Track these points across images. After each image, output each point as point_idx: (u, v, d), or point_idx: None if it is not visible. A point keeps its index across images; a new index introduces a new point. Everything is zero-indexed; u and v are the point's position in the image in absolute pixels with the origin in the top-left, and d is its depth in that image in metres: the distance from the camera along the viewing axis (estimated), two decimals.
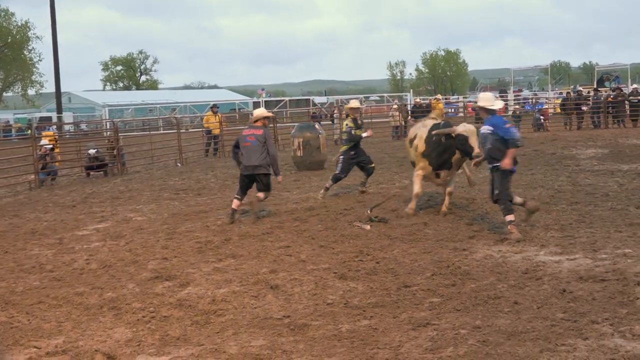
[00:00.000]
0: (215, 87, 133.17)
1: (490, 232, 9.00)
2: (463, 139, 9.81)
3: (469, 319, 5.70)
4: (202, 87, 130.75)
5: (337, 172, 12.90)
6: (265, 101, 61.57)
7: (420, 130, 10.80)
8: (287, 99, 69.06)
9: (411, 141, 10.97)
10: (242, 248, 8.83)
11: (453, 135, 9.94)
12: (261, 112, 11.74)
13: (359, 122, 13.33)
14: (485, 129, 8.94)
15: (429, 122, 10.82)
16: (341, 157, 12.96)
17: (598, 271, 6.89)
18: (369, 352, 5.12)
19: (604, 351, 4.87)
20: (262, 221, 10.61)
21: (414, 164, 11.00)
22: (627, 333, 5.20)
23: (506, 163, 8.56)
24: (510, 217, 8.66)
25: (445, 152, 10.22)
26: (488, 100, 9.15)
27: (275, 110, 42.20)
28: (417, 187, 10.61)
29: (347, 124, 12.85)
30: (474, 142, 9.71)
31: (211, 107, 27.40)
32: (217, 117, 25.92)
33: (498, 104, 9.19)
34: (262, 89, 76.07)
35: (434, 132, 10.26)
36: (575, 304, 5.94)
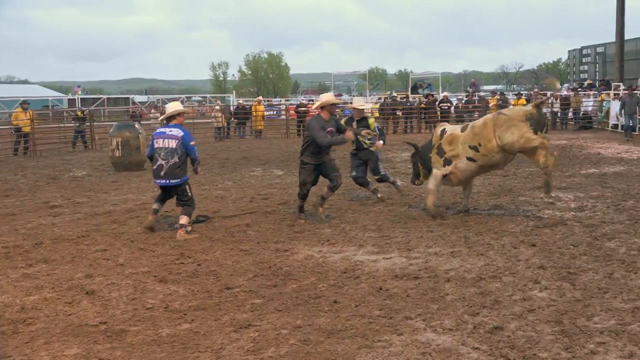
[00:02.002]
0: (26, 82, 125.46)
1: (311, 233, 9.16)
2: None
3: (290, 319, 5.76)
4: (10, 82, 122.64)
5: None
6: (81, 99, 58.98)
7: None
8: (105, 97, 66.57)
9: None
10: (55, 252, 8.36)
11: None
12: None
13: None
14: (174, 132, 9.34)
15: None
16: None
17: (412, 269, 7.22)
18: (190, 356, 5.02)
19: (417, 345, 5.10)
20: (77, 224, 10.12)
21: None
22: (438, 327, 5.48)
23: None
24: (183, 221, 9.17)
25: None
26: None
27: (92, 108, 40.50)
28: None
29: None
30: None
31: (21, 104, 25.82)
32: (27, 114, 24.48)
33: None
34: (78, 86, 72.87)
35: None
36: (390, 301, 6.17)
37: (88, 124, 27.29)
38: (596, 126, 29.94)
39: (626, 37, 41.64)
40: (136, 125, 19.28)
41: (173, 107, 9.66)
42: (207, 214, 10.43)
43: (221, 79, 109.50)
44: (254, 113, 31.38)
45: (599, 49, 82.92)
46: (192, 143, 9.30)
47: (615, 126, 27.33)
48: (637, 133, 24.17)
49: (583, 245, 8.06)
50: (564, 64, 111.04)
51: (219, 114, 30.16)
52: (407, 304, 6.10)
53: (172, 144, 9.19)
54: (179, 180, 9.24)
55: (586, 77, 71.39)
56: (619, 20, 39.45)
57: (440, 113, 31.50)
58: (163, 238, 9.02)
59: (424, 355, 4.93)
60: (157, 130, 9.47)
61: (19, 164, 20.58)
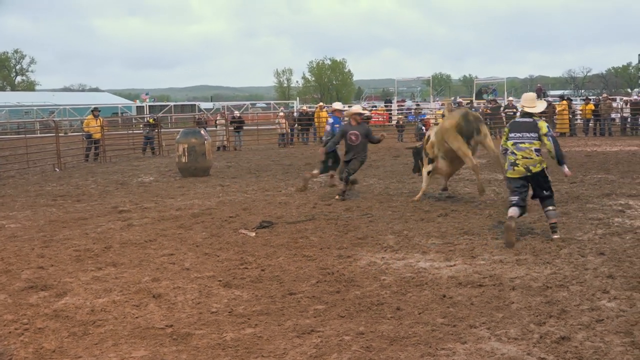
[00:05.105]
0: (96, 89, 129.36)
1: (374, 240, 9.14)
2: None
3: (353, 325, 5.76)
4: (82, 90, 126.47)
5: None
6: (149, 106, 60.35)
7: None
8: (172, 104, 67.93)
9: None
10: (123, 256, 8.57)
11: None
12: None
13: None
14: None
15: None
16: None
17: (476, 277, 7.13)
18: None
19: (481, 354, 5.03)
20: (145, 229, 10.34)
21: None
22: (502, 336, 5.39)
23: None
24: None
25: None
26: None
27: (159, 115, 41.34)
28: None
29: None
30: None
31: (92, 111, 26.54)
32: (98, 121, 25.18)
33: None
34: (147, 93, 74.68)
35: None
36: (454, 309, 6.11)
37: (156, 130, 27.88)
38: None
39: None
40: (202, 132, 19.59)
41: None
42: (271, 220, 10.52)
43: (285, 85, 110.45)
44: (316, 119, 31.51)
45: None
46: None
47: None
48: None
49: None
50: (634, 67, 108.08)
51: (283, 120, 30.39)
52: (471, 312, 6.02)
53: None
54: None
55: None
56: None
57: (506, 119, 31.01)
58: (228, 243, 9.14)
59: None
60: None
61: (89, 170, 21.17)
